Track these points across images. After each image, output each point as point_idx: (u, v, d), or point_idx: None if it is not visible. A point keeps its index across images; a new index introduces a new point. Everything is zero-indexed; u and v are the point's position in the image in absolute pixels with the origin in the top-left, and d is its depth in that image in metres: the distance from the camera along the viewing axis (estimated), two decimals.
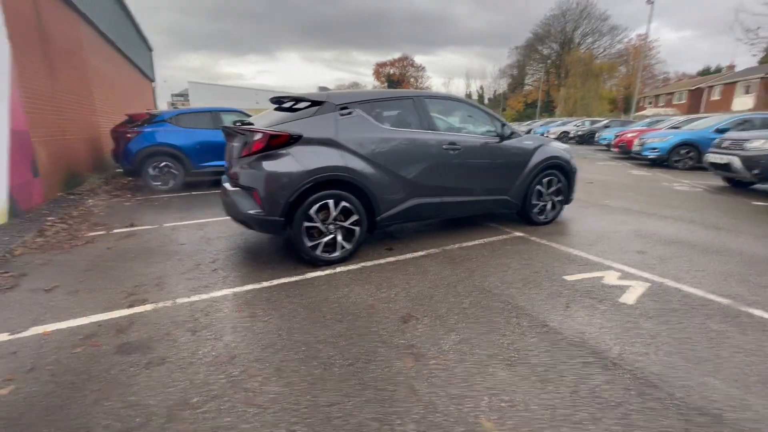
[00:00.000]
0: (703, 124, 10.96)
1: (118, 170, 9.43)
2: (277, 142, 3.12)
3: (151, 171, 6.86)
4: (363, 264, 3.39)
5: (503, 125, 4.12)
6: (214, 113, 7.48)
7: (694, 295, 2.74)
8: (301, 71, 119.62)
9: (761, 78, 27.10)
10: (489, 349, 2.12)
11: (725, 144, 6.95)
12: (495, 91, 61.34)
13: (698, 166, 10.29)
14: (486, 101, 60.44)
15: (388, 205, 3.51)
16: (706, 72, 53.25)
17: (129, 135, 6.78)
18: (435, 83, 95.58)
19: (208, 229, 4.55)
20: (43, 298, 2.79)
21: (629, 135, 13.06)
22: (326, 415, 1.64)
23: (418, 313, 2.51)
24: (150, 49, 19.83)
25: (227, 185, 3.49)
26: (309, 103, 3.39)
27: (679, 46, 73.54)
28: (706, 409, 1.66)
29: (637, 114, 31.38)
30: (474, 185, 3.97)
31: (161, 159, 6.89)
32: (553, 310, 2.54)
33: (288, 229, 3.18)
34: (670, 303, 2.62)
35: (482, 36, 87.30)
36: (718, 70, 51.87)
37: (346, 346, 2.15)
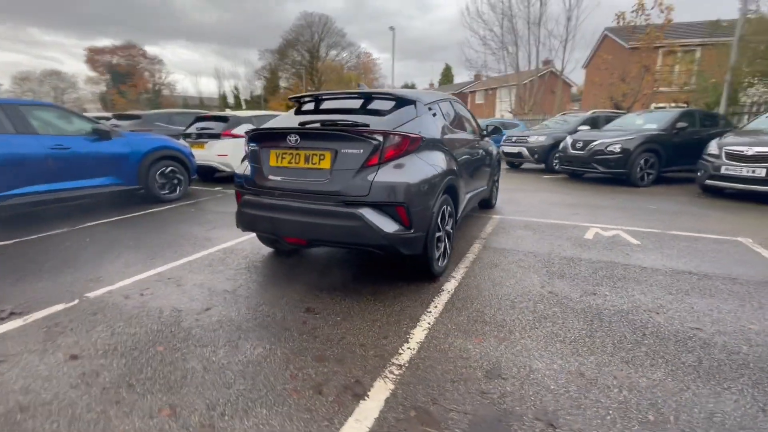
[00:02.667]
0: None
1: None
2: (413, 147, 2.65)
3: None
4: (463, 267, 3.35)
5: (484, 127, 4.81)
6: (17, 108, 4.49)
7: (647, 230, 4.38)
8: None
9: (451, 94, 39.23)
10: (664, 291, 2.83)
11: (514, 139, 10.19)
12: (252, 92, 60.28)
13: None
14: (243, 103, 58.54)
15: (460, 205, 3.56)
16: (409, 87, 71.70)
17: None
18: (175, 79, 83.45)
19: (186, 280, 3.05)
20: None
21: None
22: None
23: (593, 287, 2.92)
24: None
25: (333, 206, 2.59)
26: (394, 102, 2.98)
27: (380, 66, 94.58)
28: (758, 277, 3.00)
29: None
30: (482, 179, 4.50)
31: None
32: (625, 258, 3.51)
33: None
34: (650, 237, 4.12)
35: (215, 33, 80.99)
36: (414, 86, 71.12)
37: (626, 324, 2.35)
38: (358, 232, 2.53)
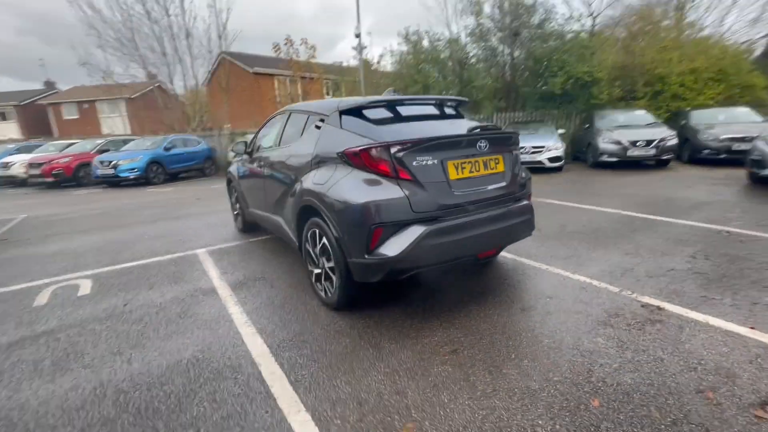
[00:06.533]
0: (151, 144, 12.13)
1: None
2: None
3: None
4: None
5: None
6: None
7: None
8: None
9: (14, 106, 27.32)
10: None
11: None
12: None
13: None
14: None
15: None
16: None
17: None
18: None
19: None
20: None
21: (63, 161, 11.18)
22: None
23: (633, 246, 4.30)
24: None
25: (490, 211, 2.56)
26: (453, 110, 3.14)
27: None
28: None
29: None
30: None
31: None
32: None
33: None
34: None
35: None
36: None
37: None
38: (530, 224, 2.83)
